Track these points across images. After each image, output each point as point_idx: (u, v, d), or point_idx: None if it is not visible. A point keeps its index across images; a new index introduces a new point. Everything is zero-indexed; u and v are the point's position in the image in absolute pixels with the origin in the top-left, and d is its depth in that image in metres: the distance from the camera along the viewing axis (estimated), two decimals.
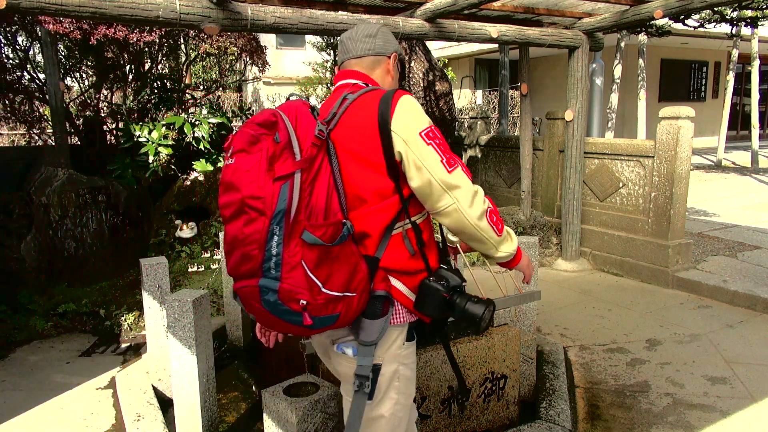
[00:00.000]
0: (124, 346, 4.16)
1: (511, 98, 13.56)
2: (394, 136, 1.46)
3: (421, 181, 1.47)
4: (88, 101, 6.29)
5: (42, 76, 5.95)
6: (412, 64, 7.40)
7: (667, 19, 9.90)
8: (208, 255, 5.14)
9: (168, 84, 6.65)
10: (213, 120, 6.06)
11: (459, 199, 1.47)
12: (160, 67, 6.83)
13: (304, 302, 1.32)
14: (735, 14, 10.64)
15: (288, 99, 1.52)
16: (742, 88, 18.10)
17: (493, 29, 4.26)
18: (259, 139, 1.33)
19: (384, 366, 1.55)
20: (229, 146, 1.38)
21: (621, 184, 5.52)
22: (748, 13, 10.48)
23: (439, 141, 1.49)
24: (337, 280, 1.37)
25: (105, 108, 6.43)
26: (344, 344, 1.57)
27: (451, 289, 1.55)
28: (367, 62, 1.67)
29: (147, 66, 6.51)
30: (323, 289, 1.34)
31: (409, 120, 1.47)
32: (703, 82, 18.25)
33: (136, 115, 6.28)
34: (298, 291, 1.31)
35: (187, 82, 7.24)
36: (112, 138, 6.36)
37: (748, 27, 11.68)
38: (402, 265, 1.55)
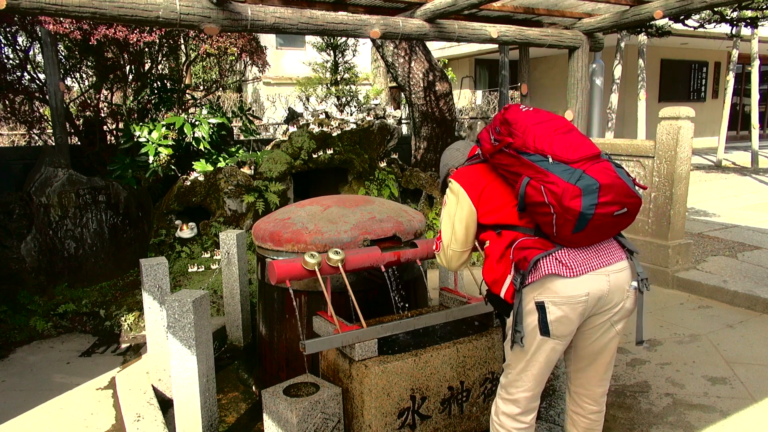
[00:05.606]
0: (124, 346, 4.16)
1: (511, 99, 13.55)
2: None
3: None
4: (88, 101, 6.29)
5: (42, 76, 5.95)
6: (412, 65, 7.40)
7: (667, 19, 9.90)
8: (208, 255, 5.13)
9: (168, 84, 6.65)
10: (213, 120, 6.06)
11: None
12: (160, 67, 6.84)
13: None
14: (735, 14, 10.64)
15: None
16: (742, 88, 18.11)
17: (493, 29, 4.25)
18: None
19: None
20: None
21: None
22: (748, 13, 10.48)
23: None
24: None
25: (105, 108, 6.43)
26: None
27: None
28: None
29: (147, 66, 6.51)
30: None
31: None
32: (703, 83, 18.25)
33: (136, 115, 6.29)
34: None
35: (187, 82, 7.24)
36: (112, 138, 6.37)
37: (748, 27, 11.68)
38: None
